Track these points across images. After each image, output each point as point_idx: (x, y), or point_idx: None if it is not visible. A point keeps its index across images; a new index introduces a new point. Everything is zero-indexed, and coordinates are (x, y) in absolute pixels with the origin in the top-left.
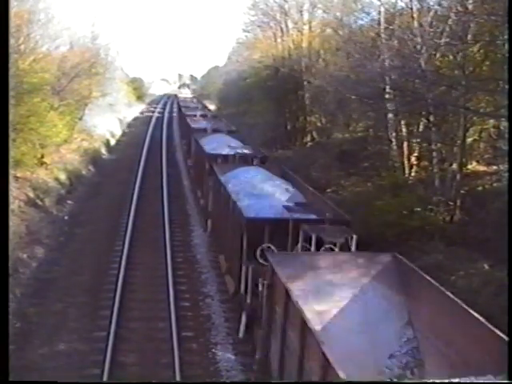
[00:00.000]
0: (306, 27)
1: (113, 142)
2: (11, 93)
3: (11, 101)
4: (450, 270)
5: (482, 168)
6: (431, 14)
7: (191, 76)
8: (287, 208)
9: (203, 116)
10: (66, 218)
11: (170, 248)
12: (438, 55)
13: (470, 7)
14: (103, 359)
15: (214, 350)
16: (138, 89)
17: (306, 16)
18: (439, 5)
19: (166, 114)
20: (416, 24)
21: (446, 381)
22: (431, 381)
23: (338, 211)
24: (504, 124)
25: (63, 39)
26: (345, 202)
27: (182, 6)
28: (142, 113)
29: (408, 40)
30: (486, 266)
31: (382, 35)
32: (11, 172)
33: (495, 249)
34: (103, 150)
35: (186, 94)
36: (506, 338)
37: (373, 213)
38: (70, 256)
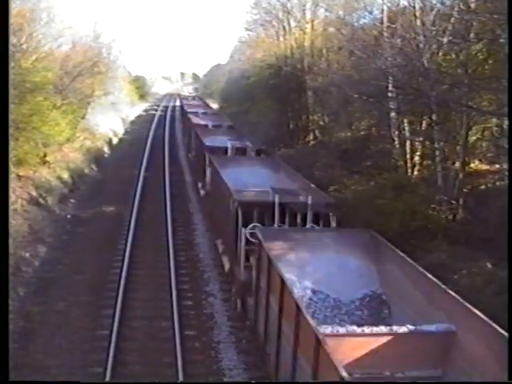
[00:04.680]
0: (309, 26)
1: (115, 140)
2: (14, 92)
3: (14, 100)
4: (453, 269)
5: (484, 167)
6: (434, 12)
7: (194, 74)
8: (275, 192)
9: (204, 113)
10: (68, 216)
11: (172, 247)
12: (440, 54)
13: (473, 6)
14: (106, 357)
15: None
16: (140, 88)
17: (308, 15)
18: (442, 3)
19: (169, 113)
20: (419, 22)
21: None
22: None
23: (323, 194)
24: (507, 122)
25: (65, 38)
26: (347, 200)
27: (184, 4)
28: (145, 111)
29: (410, 39)
30: (489, 265)
31: (385, 34)
32: (14, 171)
33: (498, 248)
34: (106, 149)
35: (188, 92)
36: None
37: (375, 212)
38: (72, 255)
